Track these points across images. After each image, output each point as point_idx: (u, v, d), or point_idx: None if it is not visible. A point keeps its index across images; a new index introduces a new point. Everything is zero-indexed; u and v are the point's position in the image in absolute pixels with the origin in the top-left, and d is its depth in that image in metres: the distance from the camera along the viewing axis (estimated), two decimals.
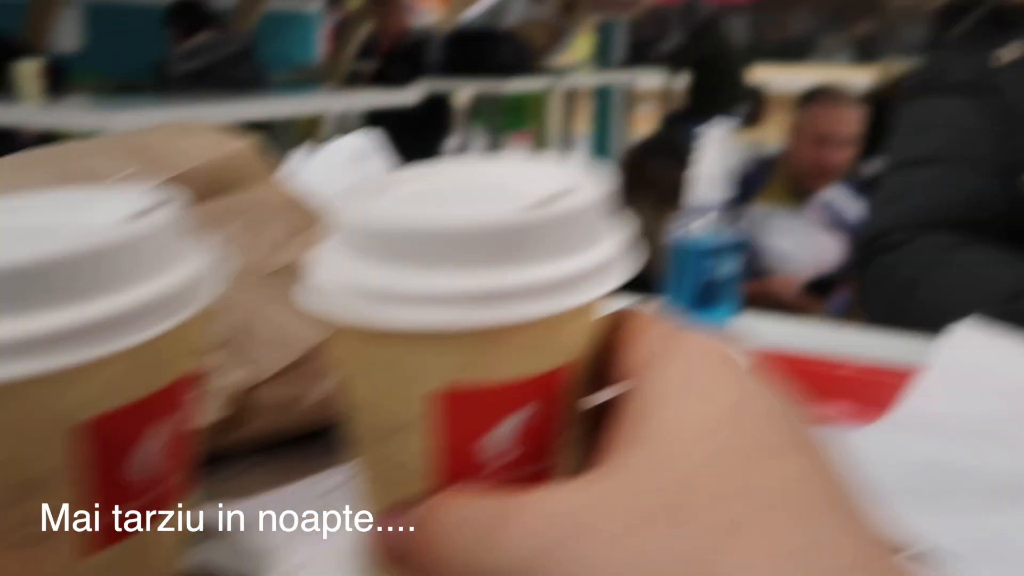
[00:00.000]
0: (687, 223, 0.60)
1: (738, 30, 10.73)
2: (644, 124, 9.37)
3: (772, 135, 3.55)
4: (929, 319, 0.70)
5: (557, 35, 7.17)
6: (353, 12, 6.00)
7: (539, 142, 6.97)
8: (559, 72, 4.80)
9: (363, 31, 5.27)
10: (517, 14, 6.91)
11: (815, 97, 2.58)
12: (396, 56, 4.68)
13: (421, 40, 4.56)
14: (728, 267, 0.59)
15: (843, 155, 2.49)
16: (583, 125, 8.72)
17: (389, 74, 4.57)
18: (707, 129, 0.60)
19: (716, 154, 0.59)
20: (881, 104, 2.57)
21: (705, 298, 0.59)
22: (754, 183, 2.56)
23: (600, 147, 7.47)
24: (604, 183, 0.26)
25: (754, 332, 0.64)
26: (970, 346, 0.51)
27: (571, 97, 5.74)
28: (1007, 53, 0.72)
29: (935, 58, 0.78)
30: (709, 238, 0.59)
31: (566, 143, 5.78)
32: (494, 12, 6.90)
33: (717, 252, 0.59)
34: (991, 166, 0.72)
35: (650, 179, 2.05)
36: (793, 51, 10.07)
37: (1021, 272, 0.67)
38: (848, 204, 2.44)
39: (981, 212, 0.72)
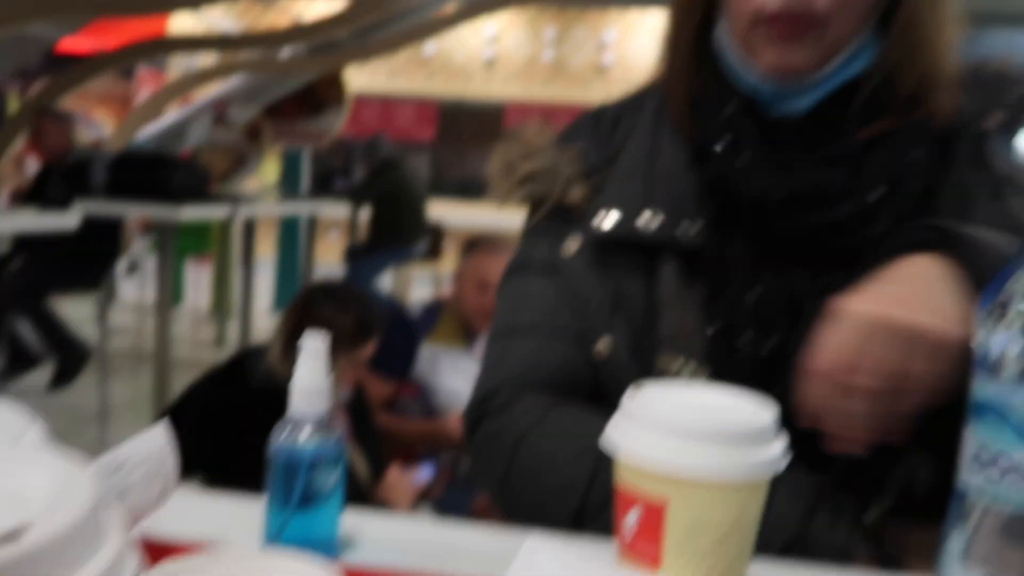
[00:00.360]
0: (287, 433, 0.60)
1: (421, 166, 11.29)
2: (331, 251, 9.46)
3: (450, 267, 3.72)
4: (531, 479, 0.77)
5: (241, 160, 7.10)
6: (8, 121, 5.52)
7: (220, 268, 6.75)
8: (239, 199, 4.71)
9: (15, 145, 4.86)
10: (198, 137, 6.75)
11: (477, 245, 2.75)
12: (54, 174, 4.35)
13: (85, 159, 4.28)
14: (328, 477, 0.60)
15: None
16: (267, 250, 8.61)
17: (46, 194, 4.23)
18: (306, 341, 0.61)
19: (315, 365, 0.60)
20: None
21: (304, 506, 0.59)
22: (425, 324, 2.65)
23: (285, 273, 7.39)
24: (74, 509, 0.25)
25: (354, 540, 0.65)
26: (541, 558, 0.55)
27: (255, 223, 5.65)
28: (569, 246, 0.84)
29: (524, 243, 0.90)
30: (309, 448, 0.59)
31: (248, 269, 5.64)
32: (174, 132, 6.68)
33: (316, 462, 0.59)
34: (573, 336, 0.82)
35: (319, 321, 2.05)
36: (471, 189, 10.76)
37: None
38: None
39: (570, 376, 0.81)
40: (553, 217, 0.85)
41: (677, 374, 0.77)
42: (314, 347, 0.60)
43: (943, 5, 0.77)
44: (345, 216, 6.89)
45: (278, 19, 9.43)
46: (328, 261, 8.65)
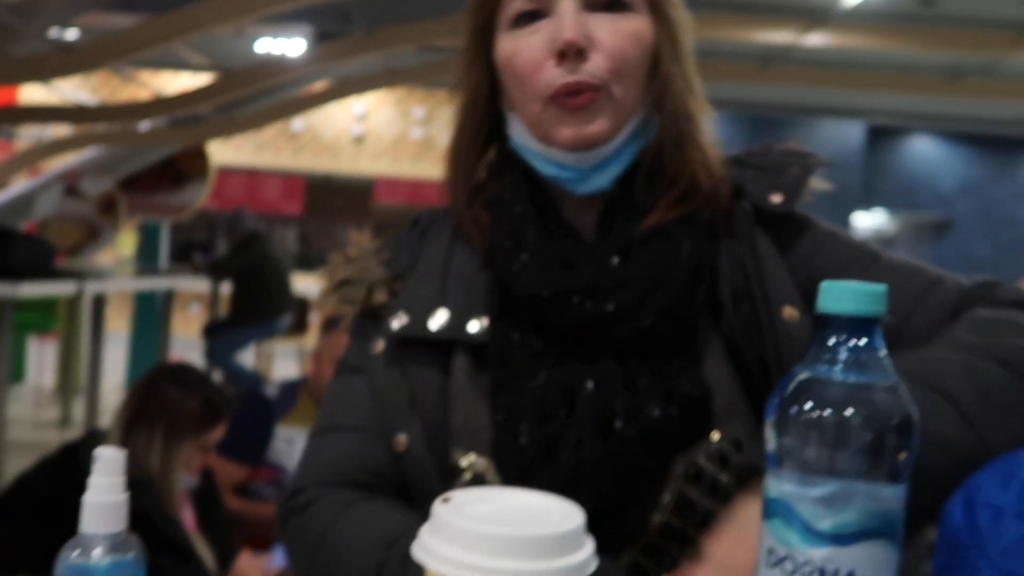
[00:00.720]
0: (76, 554, 0.57)
1: (288, 239, 11.12)
2: (191, 325, 9.12)
3: (316, 341, 3.63)
4: (330, 571, 0.79)
5: (93, 233, 6.80)
6: None
7: (66, 344, 6.39)
8: (86, 275, 4.50)
9: None
10: (47, 209, 6.44)
11: (337, 323, 2.71)
12: None
13: None
14: None
15: None
16: (123, 324, 8.21)
17: None
18: (100, 452, 0.58)
19: (109, 479, 0.57)
20: None
21: None
22: (283, 404, 2.58)
23: (141, 349, 7.03)
24: None
25: None
26: None
27: (105, 298, 5.39)
28: (377, 345, 0.89)
29: (348, 344, 0.95)
30: (100, 572, 0.56)
31: (97, 345, 5.36)
32: (21, 204, 6.36)
33: None
34: (378, 432, 0.85)
35: (163, 405, 1.95)
36: None
37: (403, 522, 0.77)
38: None
39: (376, 471, 0.85)
40: (365, 319, 0.90)
41: (467, 467, 0.81)
42: (109, 458, 0.57)
43: (694, 94, 0.85)
44: (207, 289, 6.68)
45: (136, 92, 9.19)
46: (188, 335, 8.33)
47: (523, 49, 0.81)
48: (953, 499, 0.62)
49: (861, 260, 0.86)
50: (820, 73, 6.82)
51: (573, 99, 0.79)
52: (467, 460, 0.81)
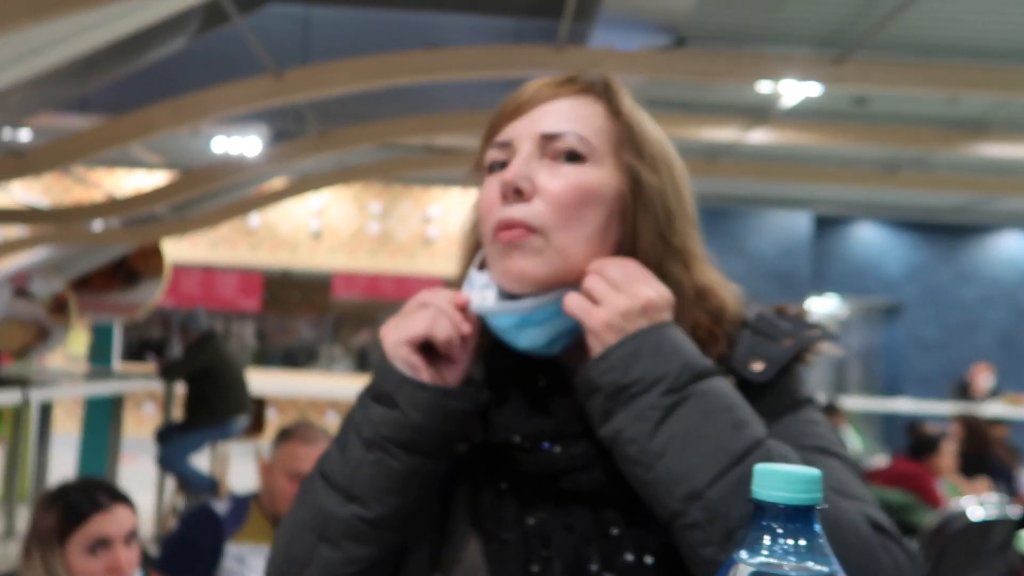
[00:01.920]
0: None
1: (246, 335, 11.00)
2: (145, 425, 8.89)
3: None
4: None
5: (43, 334, 6.67)
6: None
7: (13, 451, 6.18)
8: (29, 383, 4.39)
9: None
10: None
11: (290, 434, 2.65)
12: None
13: None
14: None
15: None
16: (73, 425, 7.98)
17: None
18: None
19: None
20: None
21: None
22: (233, 520, 2.50)
23: (91, 451, 6.80)
24: None
25: None
26: None
27: (51, 403, 5.25)
28: None
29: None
30: None
31: (43, 451, 5.19)
32: None
33: None
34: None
35: (33, 532, 1.85)
36: (297, 358, 10.54)
37: None
38: None
39: None
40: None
41: None
42: None
43: (678, 248, 0.83)
44: (161, 388, 6.54)
45: (89, 192, 9.16)
46: (141, 436, 8.11)
47: (485, 192, 0.85)
48: None
49: (813, 446, 0.82)
50: (765, 166, 7.04)
51: (504, 232, 0.80)
52: None
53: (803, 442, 0.81)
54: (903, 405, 8.23)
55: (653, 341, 0.76)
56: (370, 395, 0.81)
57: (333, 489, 0.80)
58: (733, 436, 0.73)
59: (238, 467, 6.81)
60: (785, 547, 0.50)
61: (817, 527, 0.50)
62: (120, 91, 4.92)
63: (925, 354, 10.16)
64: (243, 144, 6.88)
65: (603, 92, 0.86)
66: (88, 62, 3.71)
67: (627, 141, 0.84)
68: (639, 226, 0.82)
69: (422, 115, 5.18)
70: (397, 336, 0.81)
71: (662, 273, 0.81)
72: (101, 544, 1.82)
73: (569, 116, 0.84)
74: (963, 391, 8.02)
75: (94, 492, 1.88)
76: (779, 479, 0.50)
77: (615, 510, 0.78)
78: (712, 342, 0.83)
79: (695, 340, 0.81)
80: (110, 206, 6.09)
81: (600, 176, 0.82)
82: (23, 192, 8.56)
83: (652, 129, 0.87)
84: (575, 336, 0.82)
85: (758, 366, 0.82)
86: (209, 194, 6.11)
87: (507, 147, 0.84)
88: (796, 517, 0.50)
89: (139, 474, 6.17)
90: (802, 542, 0.50)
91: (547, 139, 0.82)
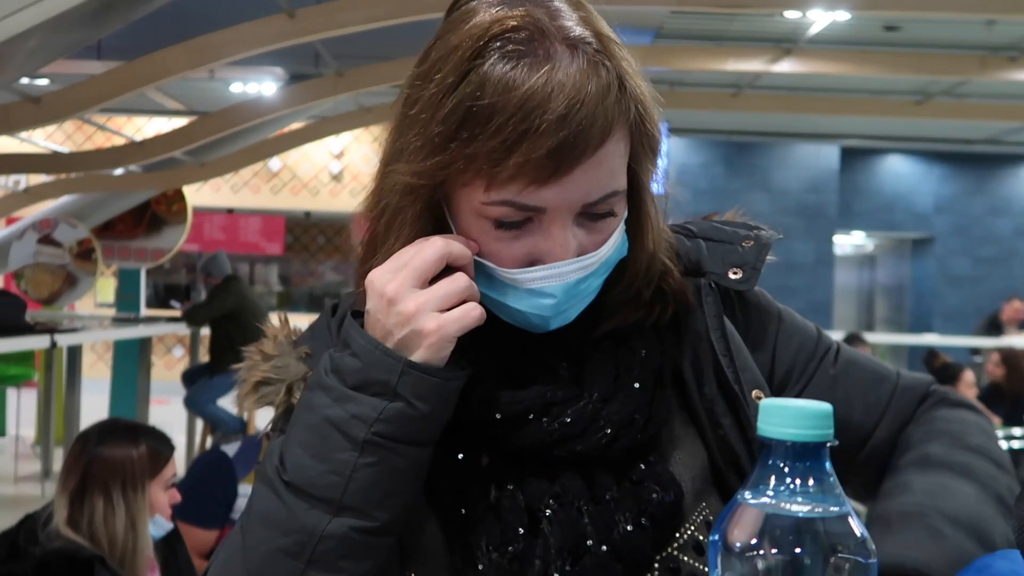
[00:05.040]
0: None
1: (270, 278, 11.07)
2: (175, 368, 9.01)
3: None
4: None
5: (71, 281, 6.74)
6: None
7: (46, 396, 6.30)
8: (56, 329, 4.43)
9: None
10: (22, 258, 6.38)
11: None
12: None
13: None
14: None
15: None
16: (104, 370, 8.11)
17: None
18: None
19: None
20: None
21: None
22: (245, 462, 2.52)
23: (122, 395, 6.91)
24: None
25: None
26: None
27: (79, 347, 5.32)
28: None
29: (269, 446, 0.84)
30: None
31: (73, 395, 5.28)
32: None
33: None
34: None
35: (110, 466, 1.91)
36: (321, 301, 10.60)
37: None
38: None
39: None
40: (288, 419, 0.77)
41: None
42: None
43: (645, 201, 0.77)
44: (187, 332, 6.60)
45: (110, 139, 9.16)
46: (171, 379, 8.23)
47: (503, 254, 0.72)
48: None
49: (827, 353, 0.86)
50: (791, 99, 6.88)
51: None
52: None
53: (815, 358, 0.84)
54: (931, 340, 8.14)
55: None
56: (347, 384, 0.69)
57: (312, 502, 0.68)
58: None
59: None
60: (792, 487, 0.47)
61: (828, 465, 0.47)
62: (136, 36, 4.87)
63: (956, 289, 10.01)
64: (260, 89, 6.82)
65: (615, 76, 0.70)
66: (103, 5, 3.65)
67: (643, 157, 0.74)
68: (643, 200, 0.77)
69: None
70: (428, 304, 0.68)
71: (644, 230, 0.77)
72: (168, 482, 2.00)
73: (608, 168, 0.70)
74: (993, 326, 7.88)
75: (165, 435, 2.06)
76: (786, 415, 0.47)
77: (606, 470, 0.73)
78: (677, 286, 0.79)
79: (664, 284, 0.78)
80: (130, 150, 6.08)
81: (623, 211, 0.74)
82: (44, 141, 8.58)
83: (640, 81, 0.73)
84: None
85: (735, 274, 0.79)
86: (229, 139, 6.08)
87: (534, 211, 0.70)
88: (806, 455, 0.47)
89: (171, 416, 6.27)
90: (811, 482, 0.47)
91: (588, 205, 0.70)
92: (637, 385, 0.75)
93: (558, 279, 0.71)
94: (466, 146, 0.67)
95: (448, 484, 0.74)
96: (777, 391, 0.83)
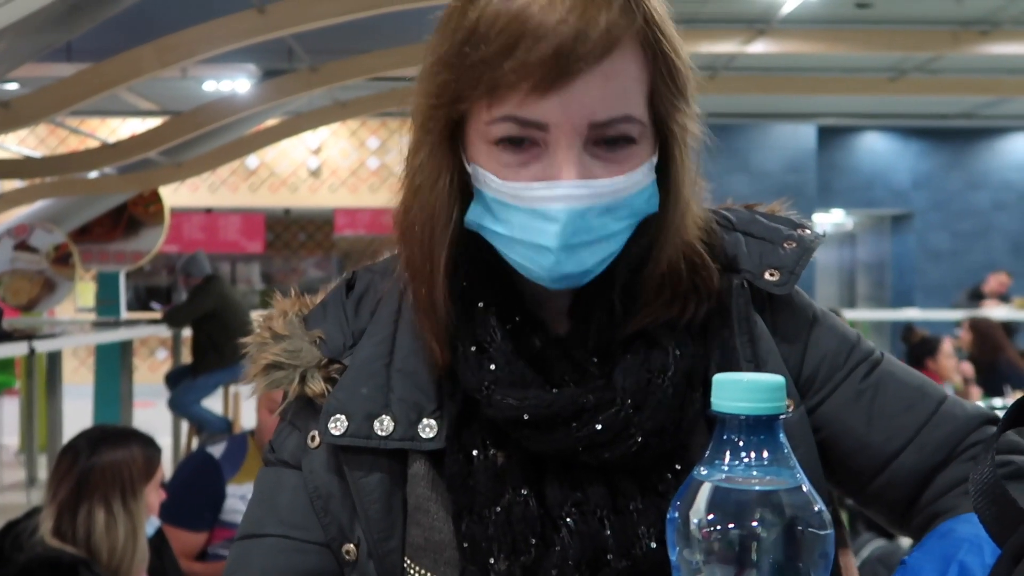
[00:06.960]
0: None
1: (252, 276, 11.01)
2: (157, 372, 8.96)
3: None
4: None
5: (50, 287, 6.68)
6: None
7: (28, 402, 6.25)
8: (34, 335, 4.40)
9: None
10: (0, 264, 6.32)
11: None
12: None
13: None
14: None
15: None
16: (87, 376, 8.05)
17: None
18: None
19: None
20: None
21: None
22: (232, 462, 2.50)
23: (105, 400, 6.87)
24: None
25: None
26: None
27: (59, 352, 5.28)
28: (314, 438, 0.76)
29: (277, 430, 0.81)
30: None
31: (54, 401, 5.24)
32: None
33: None
34: (315, 544, 0.75)
35: (107, 473, 1.90)
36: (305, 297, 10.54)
37: None
38: None
39: None
40: (301, 405, 0.78)
41: None
42: None
43: (680, 191, 0.73)
44: (170, 334, 6.56)
45: (84, 142, 9.07)
46: (154, 382, 8.18)
47: (510, 173, 0.70)
48: None
49: (860, 365, 0.78)
50: (766, 79, 6.89)
51: None
52: None
53: (853, 366, 0.78)
54: (913, 315, 8.20)
55: None
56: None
57: None
58: None
59: (252, 408, 6.86)
60: (747, 462, 0.47)
61: (782, 437, 0.47)
62: (106, 36, 4.81)
63: (936, 263, 10.08)
64: (233, 87, 6.77)
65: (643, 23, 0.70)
66: (71, 6, 3.61)
67: (665, 91, 0.71)
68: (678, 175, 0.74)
69: (414, 45, 5.05)
70: None
71: (679, 221, 0.73)
72: (158, 487, 2.00)
73: (618, 87, 0.67)
74: (975, 296, 7.94)
75: (150, 437, 2.06)
76: (739, 388, 0.47)
77: (630, 479, 0.70)
78: (711, 284, 0.75)
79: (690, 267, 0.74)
80: (105, 152, 6.02)
81: (646, 152, 0.71)
82: (16, 146, 8.49)
83: (681, 50, 0.73)
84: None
85: (772, 275, 0.76)
86: (204, 138, 6.03)
87: (537, 128, 0.68)
88: (759, 428, 0.47)
89: (155, 419, 6.24)
90: (765, 454, 0.47)
91: (595, 126, 0.68)
92: (671, 391, 0.71)
93: (564, 201, 0.67)
94: (469, 57, 0.68)
95: (461, 483, 0.71)
96: (800, 398, 0.77)
